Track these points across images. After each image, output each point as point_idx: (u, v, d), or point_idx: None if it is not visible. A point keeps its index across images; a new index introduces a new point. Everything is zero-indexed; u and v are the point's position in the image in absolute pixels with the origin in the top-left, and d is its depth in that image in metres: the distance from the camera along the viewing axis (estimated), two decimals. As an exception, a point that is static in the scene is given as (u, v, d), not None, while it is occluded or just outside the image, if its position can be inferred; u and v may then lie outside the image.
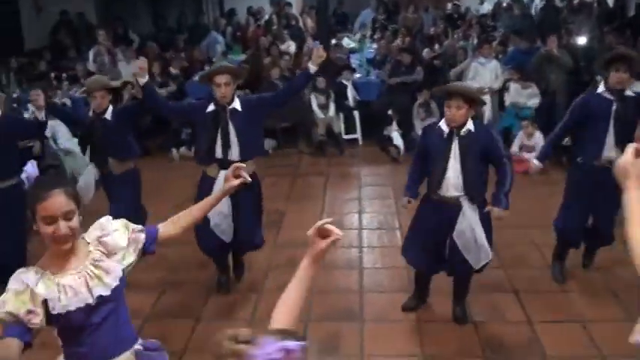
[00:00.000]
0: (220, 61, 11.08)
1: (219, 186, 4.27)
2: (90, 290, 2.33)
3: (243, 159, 4.42)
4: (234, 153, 4.63)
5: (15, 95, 9.36)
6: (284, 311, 1.94)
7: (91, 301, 2.33)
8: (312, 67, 4.87)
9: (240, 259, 5.36)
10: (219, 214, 4.71)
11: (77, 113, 5.88)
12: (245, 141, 4.66)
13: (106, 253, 2.42)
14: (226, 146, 4.63)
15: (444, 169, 4.14)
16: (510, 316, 4.65)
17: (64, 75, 10.11)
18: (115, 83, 9.62)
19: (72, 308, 2.29)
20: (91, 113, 5.44)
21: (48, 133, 6.67)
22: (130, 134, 5.53)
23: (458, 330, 4.47)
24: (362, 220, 6.58)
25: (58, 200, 2.23)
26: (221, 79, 4.56)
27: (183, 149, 9.04)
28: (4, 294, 2.22)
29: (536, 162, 4.99)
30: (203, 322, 4.75)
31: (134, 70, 4.94)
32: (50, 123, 7.59)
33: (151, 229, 2.59)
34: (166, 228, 2.62)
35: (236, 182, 2.63)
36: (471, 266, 4.33)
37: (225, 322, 4.66)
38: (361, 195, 7.39)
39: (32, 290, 2.21)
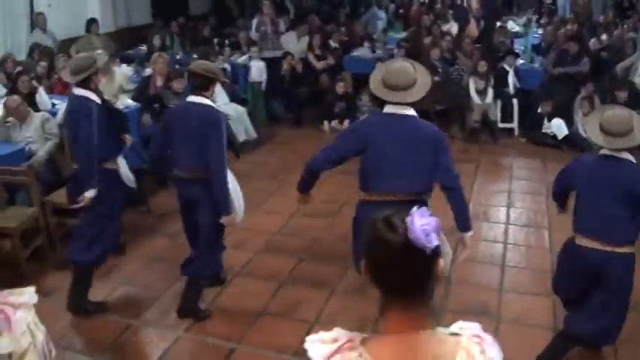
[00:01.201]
0: (381, 37, 11.04)
1: None
2: None
3: None
4: None
5: (178, 57, 9.89)
6: None
7: None
8: None
9: None
10: None
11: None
12: None
13: None
14: None
15: None
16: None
17: (226, 41, 10.54)
18: (277, 53, 9.96)
19: None
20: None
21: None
22: None
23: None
24: (509, 215, 6.31)
25: None
26: None
27: (334, 123, 9.12)
28: None
29: None
30: (337, 295, 4.79)
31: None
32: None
33: None
34: None
35: None
36: None
37: (359, 298, 4.66)
38: (511, 188, 7.09)
39: None
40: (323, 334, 1.57)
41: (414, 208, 1.43)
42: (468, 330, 1.57)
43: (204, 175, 4.21)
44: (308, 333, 4.26)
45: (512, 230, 5.96)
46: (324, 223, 6.00)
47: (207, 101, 4.27)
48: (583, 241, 3.67)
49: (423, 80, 3.68)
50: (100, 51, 5.30)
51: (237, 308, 4.62)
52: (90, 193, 4.33)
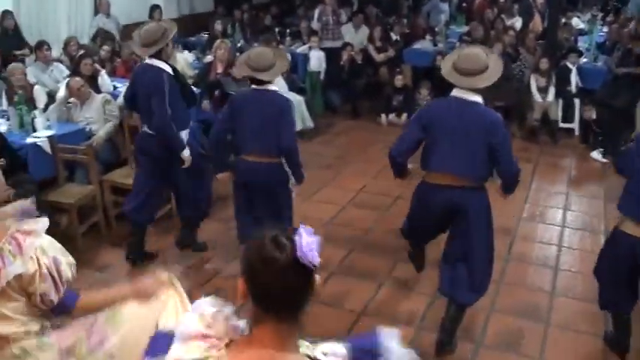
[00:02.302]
0: (443, 31, 10.89)
1: None
2: None
3: None
4: None
5: (239, 45, 9.97)
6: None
7: None
8: None
9: None
10: None
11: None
12: None
13: None
14: None
15: None
16: None
17: (287, 30, 10.57)
18: (337, 44, 9.94)
19: None
20: None
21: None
22: None
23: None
24: (565, 217, 6.15)
25: None
26: None
27: (392, 116, 9.07)
28: None
29: None
30: (385, 288, 4.78)
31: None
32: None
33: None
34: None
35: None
36: None
37: (407, 291, 4.67)
38: (569, 190, 6.91)
39: None
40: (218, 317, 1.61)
41: (301, 227, 1.50)
42: (332, 356, 1.66)
43: (277, 159, 4.34)
44: (355, 323, 4.31)
45: (567, 233, 5.82)
46: (376, 215, 5.99)
47: (274, 87, 4.37)
48: (630, 229, 3.57)
49: (494, 67, 3.67)
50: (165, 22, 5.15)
51: (286, 295, 4.65)
52: (186, 152, 4.62)
